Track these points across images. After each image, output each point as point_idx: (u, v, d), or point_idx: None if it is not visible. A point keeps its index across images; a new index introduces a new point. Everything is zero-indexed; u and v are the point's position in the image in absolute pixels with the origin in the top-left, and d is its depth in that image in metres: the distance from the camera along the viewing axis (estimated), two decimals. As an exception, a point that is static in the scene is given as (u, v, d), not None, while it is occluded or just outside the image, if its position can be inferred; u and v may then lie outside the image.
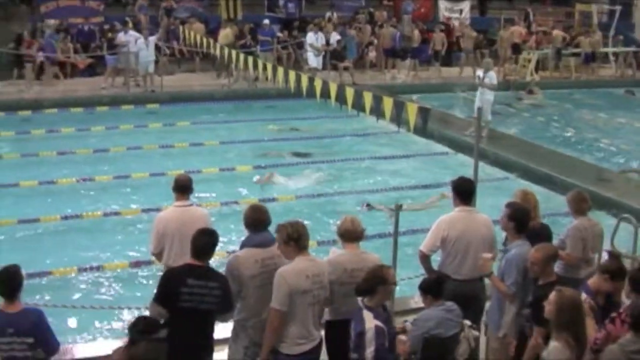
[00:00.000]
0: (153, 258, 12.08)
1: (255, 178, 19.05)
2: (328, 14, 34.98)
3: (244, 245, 8.54)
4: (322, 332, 8.28)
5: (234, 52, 25.14)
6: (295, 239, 7.89)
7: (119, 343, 10.52)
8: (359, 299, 7.79)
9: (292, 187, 18.48)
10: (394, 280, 8.00)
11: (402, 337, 7.90)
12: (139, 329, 7.13)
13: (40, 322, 7.62)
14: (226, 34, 30.63)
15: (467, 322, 8.35)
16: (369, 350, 7.49)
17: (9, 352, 7.42)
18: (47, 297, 12.47)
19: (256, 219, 8.52)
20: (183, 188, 9.94)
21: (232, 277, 8.16)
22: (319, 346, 8.17)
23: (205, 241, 8.04)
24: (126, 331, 7.45)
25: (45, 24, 30.64)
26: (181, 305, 7.80)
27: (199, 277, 7.84)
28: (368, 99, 16.30)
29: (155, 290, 8.06)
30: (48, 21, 30.72)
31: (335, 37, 31.04)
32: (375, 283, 7.73)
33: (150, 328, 7.16)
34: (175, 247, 9.62)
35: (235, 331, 8.39)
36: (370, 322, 7.56)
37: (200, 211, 10.16)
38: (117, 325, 12.09)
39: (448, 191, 13.10)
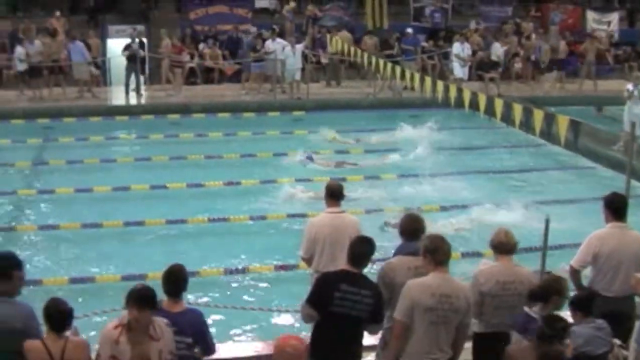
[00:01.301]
0: (298, 262, 12.31)
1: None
2: (474, 24, 34.76)
3: (397, 252, 8.58)
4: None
5: (381, 61, 25.23)
6: (431, 251, 7.76)
7: (262, 344, 10.80)
8: (527, 309, 7.67)
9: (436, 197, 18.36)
10: (567, 293, 7.85)
11: (567, 340, 7.73)
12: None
13: (201, 323, 7.80)
14: (336, 41, 30.89)
15: (617, 341, 8.18)
16: None
17: None
18: (192, 297, 12.68)
19: (411, 227, 8.56)
20: (335, 195, 10.04)
21: (384, 284, 8.19)
22: None
23: (363, 249, 8.06)
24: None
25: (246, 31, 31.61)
26: (332, 309, 7.84)
27: (353, 283, 7.86)
28: (518, 111, 16.13)
29: (308, 292, 8.17)
30: (250, 28, 31.53)
31: (498, 49, 30.76)
32: (552, 292, 7.60)
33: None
34: (325, 253, 9.73)
35: (384, 339, 8.40)
36: None
37: (351, 218, 10.23)
38: (260, 326, 12.20)
39: None
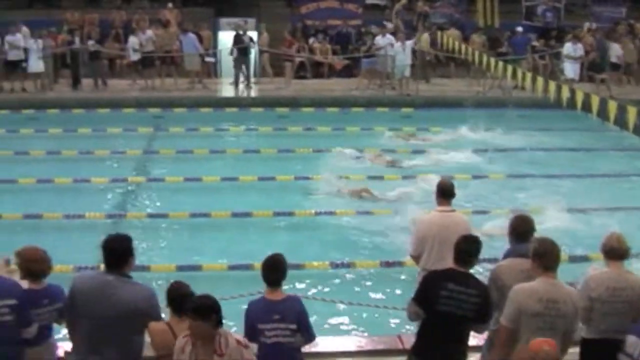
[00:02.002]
0: (404, 259, 12.27)
1: None
2: (587, 25, 34.14)
3: (507, 255, 8.50)
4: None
5: (492, 60, 25.01)
6: (540, 255, 7.65)
7: (365, 340, 10.79)
8: None
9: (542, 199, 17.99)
10: None
11: None
12: None
13: (302, 309, 7.93)
14: (424, 38, 30.71)
15: None
16: None
17: (273, 339, 7.72)
18: (298, 289, 12.63)
19: (521, 229, 8.48)
20: (446, 193, 9.99)
21: (495, 286, 8.14)
22: None
23: (468, 247, 8.03)
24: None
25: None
26: (438, 308, 7.83)
27: (460, 282, 7.84)
28: (632, 114, 15.81)
29: (415, 290, 8.15)
30: (388, 24, 31.62)
31: (618, 50, 30.08)
32: None
33: None
34: (434, 251, 9.69)
35: (490, 341, 8.35)
36: None
37: (461, 217, 10.16)
38: (364, 322, 12.12)
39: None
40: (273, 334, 7.73)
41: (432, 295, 7.89)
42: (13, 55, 28.24)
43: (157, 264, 13.78)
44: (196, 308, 6.95)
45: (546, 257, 7.64)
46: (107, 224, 15.91)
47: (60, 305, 7.86)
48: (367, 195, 17.97)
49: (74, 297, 7.57)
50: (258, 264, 12.53)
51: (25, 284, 7.86)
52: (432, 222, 9.93)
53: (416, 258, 10.10)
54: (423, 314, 8.00)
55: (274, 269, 7.91)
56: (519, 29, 32.03)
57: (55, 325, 8.14)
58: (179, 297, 7.63)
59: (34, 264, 7.87)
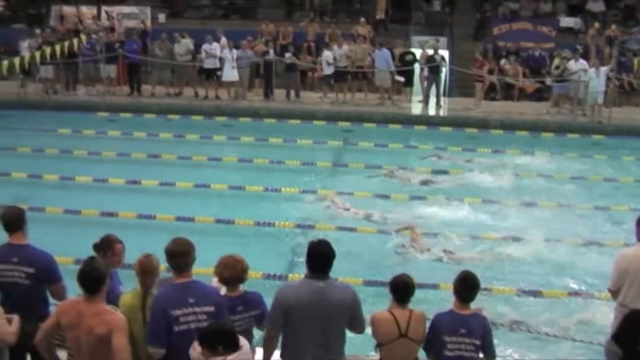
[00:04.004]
0: (598, 290, 12.02)
1: None
2: None
3: None
4: None
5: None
6: None
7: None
8: None
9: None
10: None
11: None
12: None
13: (489, 328, 8.15)
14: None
15: None
16: None
17: (456, 352, 7.90)
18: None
19: None
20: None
21: None
22: None
23: None
24: None
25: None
26: (638, 349, 7.70)
27: (661, 323, 7.69)
28: None
29: (615, 329, 8.04)
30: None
31: None
32: None
33: None
34: (634, 287, 9.36)
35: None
36: None
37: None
38: (547, 353, 11.90)
39: None
40: (457, 347, 7.89)
41: (631, 334, 7.77)
42: (209, 64, 29.31)
43: (343, 277, 13.80)
44: (202, 336, 7.20)
45: None
46: (296, 234, 16.27)
47: (257, 312, 8.14)
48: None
49: (288, 311, 7.73)
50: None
51: (223, 290, 8.17)
52: (634, 257, 9.63)
53: (614, 292, 9.85)
54: (622, 354, 7.88)
55: (472, 286, 8.06)
56: None
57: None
58: (403, 286, 8.13)
59: (229, 271, 8.15)
